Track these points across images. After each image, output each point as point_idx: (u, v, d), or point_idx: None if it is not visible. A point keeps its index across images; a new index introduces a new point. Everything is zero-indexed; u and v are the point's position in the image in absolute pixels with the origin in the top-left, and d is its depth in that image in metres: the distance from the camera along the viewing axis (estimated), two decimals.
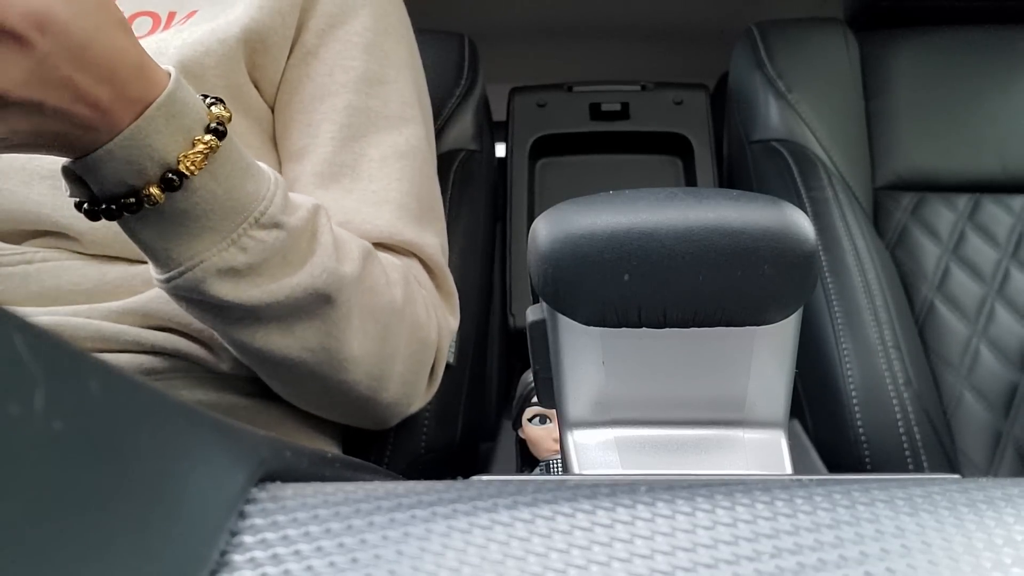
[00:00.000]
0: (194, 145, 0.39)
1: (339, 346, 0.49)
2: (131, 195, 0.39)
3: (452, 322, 0.63)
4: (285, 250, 0.44)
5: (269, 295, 0.44)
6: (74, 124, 0.36)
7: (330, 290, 0.46)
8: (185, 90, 0.39)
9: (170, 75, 0.39)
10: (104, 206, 0.39)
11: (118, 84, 0.36)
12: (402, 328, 0.54)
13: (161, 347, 0.51)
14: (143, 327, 0.51)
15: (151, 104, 0.37)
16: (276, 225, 0.43)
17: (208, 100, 0.41)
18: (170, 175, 0.38)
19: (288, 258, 0.44)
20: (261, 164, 0.44)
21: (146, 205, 0.39)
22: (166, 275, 0.42)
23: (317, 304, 0.46)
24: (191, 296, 0.43)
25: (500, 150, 1.21)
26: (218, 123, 0.40)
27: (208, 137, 0.39)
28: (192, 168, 0.39)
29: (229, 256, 0.42)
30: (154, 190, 0.38)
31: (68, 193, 0.40)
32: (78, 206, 0.40)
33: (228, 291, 0.43)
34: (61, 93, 0.34)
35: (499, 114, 1.19)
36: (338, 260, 0.47)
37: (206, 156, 0.39)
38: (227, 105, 0.42)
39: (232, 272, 0.42)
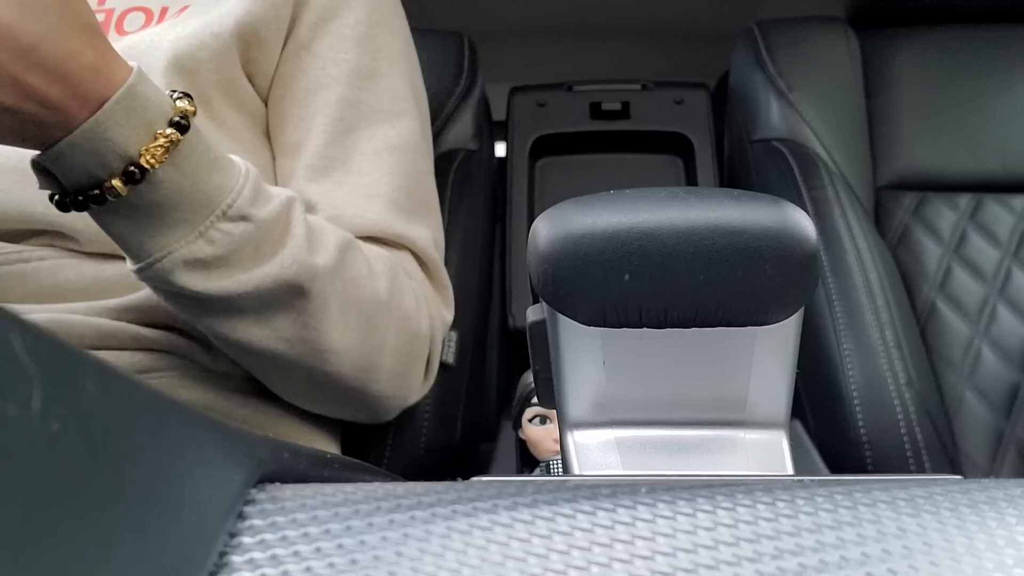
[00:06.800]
0: (156, 139, 0.39)
1: (318, 336, 0.49)
2: (96, 187, 0.39)
3: (447, 315, 0.63)
4: (256, 242, 0.44)
5: (239, 285, 0.44)
6: (25, 120, 0.36)
7: (302, 281, 0.47)
8: (146, 84, 0.40)
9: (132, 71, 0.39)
10: (71, 198, 0.40)
11: (70, 84, 0.37)
12: (389, 319, 0.54)
13: (159, 345, 0.51)
14: (141, 324, 0.51)
15: (109, 99, 0.38)
16: (243, 218, 0.44)
17: (175, 95, 0.42)
18: (131, 168, 0.39)
19: (260, 249, 0.45)
20: (233, 157, 0.45)
21: (109, 198, 0.40)
22: (137, 266, 0.43)
23: (290, 295, 0.47)
24: (162, 287, 0.44)
25: (500, 150, 1.21)
26: (181, 117, 0.40)
27: (170, 131, 0.40)
28: (152, 161, 0.39)
29: (196, 248, 0.42)
30: (116, 183, 0.39)
31: (39, 185, 0.41)
32: (50, 198, 0.41)
33: (196, 282, 0.43)
34: (8, 91, 0.35)
35: (499, 114, 1.19)
36: (310, 251, 0.47)
37: (167, 149, 0.40)
38: (220, 99, 0.42)
39: (200, 264, 0.43)
